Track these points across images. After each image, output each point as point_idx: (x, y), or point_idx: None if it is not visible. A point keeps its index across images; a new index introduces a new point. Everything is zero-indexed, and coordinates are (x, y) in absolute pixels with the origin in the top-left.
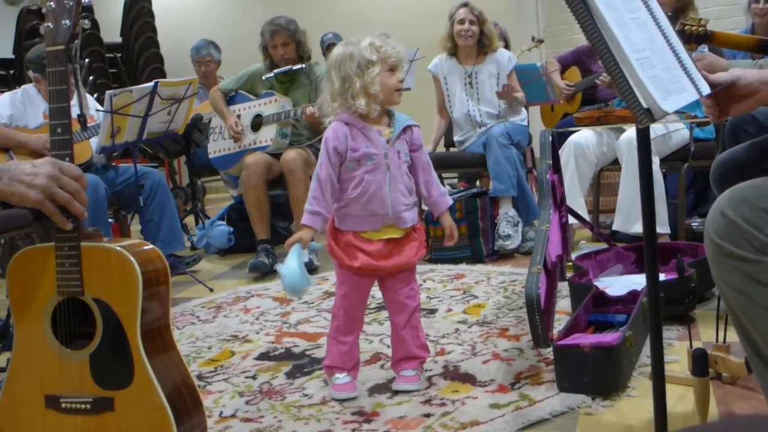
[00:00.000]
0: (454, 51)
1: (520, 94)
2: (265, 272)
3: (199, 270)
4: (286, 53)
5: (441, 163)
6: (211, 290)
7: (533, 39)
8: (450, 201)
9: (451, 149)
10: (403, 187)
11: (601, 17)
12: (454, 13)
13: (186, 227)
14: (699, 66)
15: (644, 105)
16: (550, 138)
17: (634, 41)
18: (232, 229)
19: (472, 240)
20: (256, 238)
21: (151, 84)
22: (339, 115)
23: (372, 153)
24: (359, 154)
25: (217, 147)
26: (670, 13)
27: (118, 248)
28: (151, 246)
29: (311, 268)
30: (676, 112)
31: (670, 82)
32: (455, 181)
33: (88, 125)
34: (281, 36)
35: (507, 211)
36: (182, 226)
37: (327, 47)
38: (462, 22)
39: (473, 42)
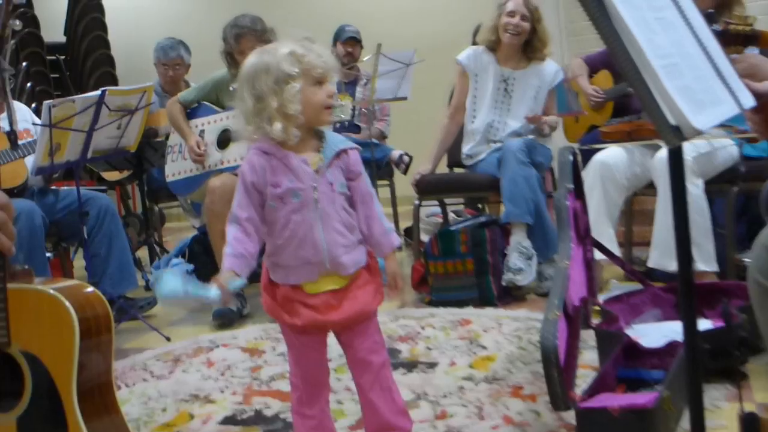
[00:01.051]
0: (494, 46)
1: (552, 119)
2: (233, 320)
3: (154, 315)
4: None
5: (445, 187)
6: (168, 339)
7: None
8: (396, 241)
9: (457, 170)
10: (340, 225)
11: (618, 16)
12: (505, 1)
13: (139, 263)
14: (738, 70)
15: (672, 121)
16: (572, 156)
17: (658, 45)
18: (191, 267)
19: (480, 278)
20: None
21: (98, 93)
22: (255, 141)
23: (296, 188)
24: (282, 190)
25: (175, 168)
26: (710, 10)
27: (51, 291)
28: (92, 289)
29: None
30: (721, 125)
31: (703, 94)
32: (461, 207)
33: (22, 141)
34: (249, 40)
35: (520, 240)
36: (135, 261)
37: (346, 41)
38: (512, 14)
39: (519, 42)
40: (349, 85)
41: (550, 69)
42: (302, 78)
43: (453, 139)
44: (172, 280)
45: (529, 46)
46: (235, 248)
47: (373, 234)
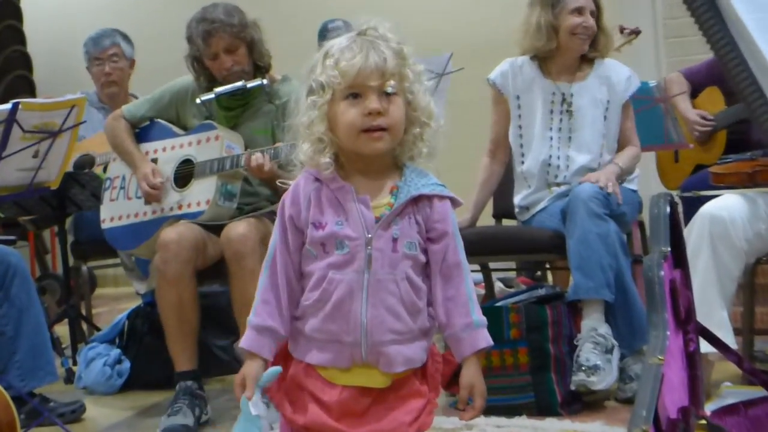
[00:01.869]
0: (545, 55)
1: (631, 154)
2: None
3: (83, 419)
4: (235, 63)
5: (489, 246)
6: None
7: (623, 31)
8: (485, 340)
9: (506, 222)
10: (397, 301)
11: (735, 17)
12: None
13: (58, 344)
14: None
15: None
16: (669, 207)
17: None
18: (117, 352)
19: (538, 376)
20: (174, 369)
21: (7, 106)
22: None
23: (344, 235)
24: (324, 233)
25: (115, 211)
26: None
27: None
28: None
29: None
30: None
31: None
32: (512, 274)
33: None
34: (222, 38)
35: (595, 325)
36: (53, 342)
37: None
38: (580, 11)
39: (587, 46)
40: None
41: (618, 73)
42: (330, 90)
43: (498, 181)
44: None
45: (591, 45)
46: (261, 317)
47: (453, 324)
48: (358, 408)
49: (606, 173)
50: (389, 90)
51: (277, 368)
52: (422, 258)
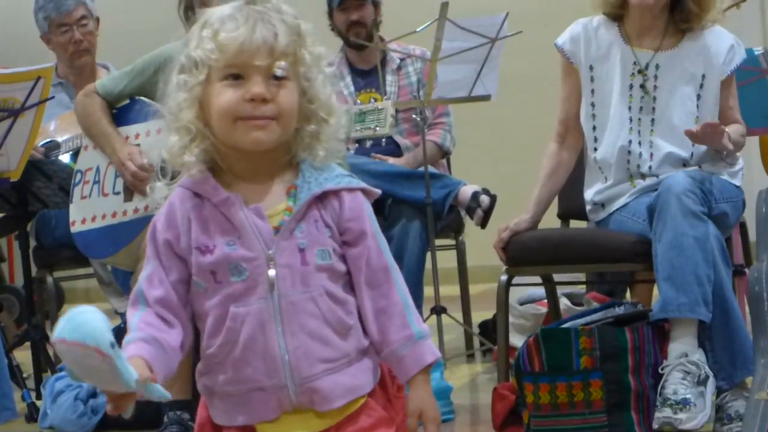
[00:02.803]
0: (620, 12)
1: (737, 129)
2: None
3: None
4: None
5: (553, 254)
6: None
7: None
8: (431, 354)
9: (574, 223)
10: (319, 323)
11: None
12: None
13: (18, 372)
14: None
15: None
16: None
17: None
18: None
19: (615, 414)
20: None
21: None
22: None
23: (239, 257)
24: (213, 259)
25: (88, 211)
26: None
27: None
28: None
29: None
30: None
31: None
32: (582, 289)
33: None
34: None
35: (686, 351)
36: (12, 370)
37: (341, 3)
38: None
39: (658, 5)
40: (367, 76)
41: (720, 42)
42: (207, 68)
43: (568, 172)
44: (93, 321)
45: (678, 8)
46: (144, 331)
47: (390, 341)
48: None
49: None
50: (279, 73)
51: (168, 395)
52: (341, 267)
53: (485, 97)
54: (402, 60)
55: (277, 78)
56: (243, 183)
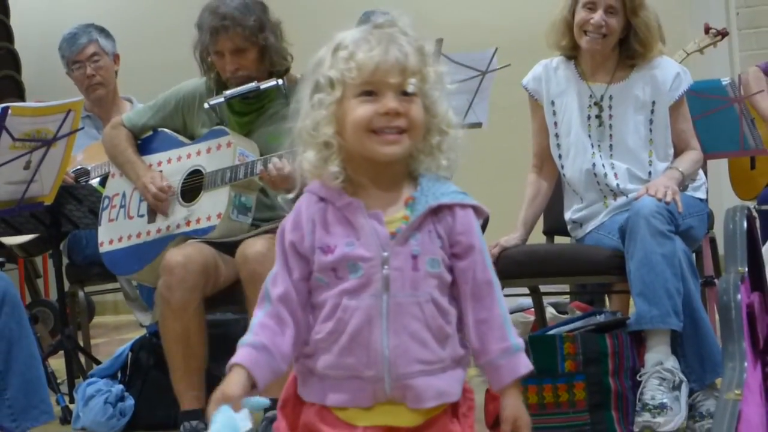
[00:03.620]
0: (573, 53)
1: (691, 158)
2: None
3: None
4: (241, 67)
5: (539, 268)
6: None
7: (708, 31)
8: (527, 366)
9: (559, 239)
10: (422, 327)
11: None
12: None
13: (54, 378)
14: None
15: None
16: (745, 222)
17: None
18: (120, 387)
19: (597, 414)
20: (179, 407)
21: None
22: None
23: (357, 256)
24: (334, 257)
25: (115, 233)
26: None
27: None
28: None
29: None
30: None
31: None
32: (565, 299)
33: None
34: (231, 38)
35: (661, 359)
36: (48, 377)
37: None
38: (591, 6)
39: (606, 48)
40: None
41: (666, 71)
42: (340, 86)
43: (547, 197)
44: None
45: (625, 47)
46: (258, 335)
47: (489, 351)
48: None
49: (664, 181)
50: (410, 89)
51: (266, 401)
52: (448, 277)
53: (477, 125)
54: None
55: (407, 94)
56: (365, 191)
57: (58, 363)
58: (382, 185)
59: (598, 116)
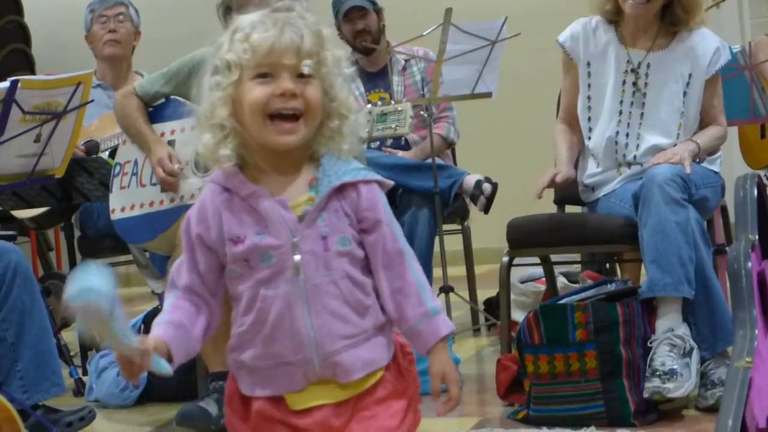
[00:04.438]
0: (616, 18)
1: (713, 134)
2: (208, 428)
3: None
4: None
5: (549, 236)
6: None
7: None
8: (446, 327)
9: (570, 209)
10: (340, 303)
11: None
12: None
13: (66, 351)
14: None
15: None
16: (756, 190)
17: None
18: None
19: (608, 383)
20: (205, 371)
21: (5, 84)
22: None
23: (267, 246)
24: (245, 248)
25: (126, 200)
26: None
27: None
28: None
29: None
30: None
31: None
32: (576, 268)
33: None
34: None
35: (672, 326)
36: (60, 349)
37: (347, 15)
38: None
39: (649, 12)
40: (375, 77)
41: (706, 44)
42: (240, 68)
43: (578, 151)
44: (98, 278)
45: (668, 14)
46: (173, 315)
47: (407, 318)
48: (339, 424)
49: (677, 149)
50: (305, 70)
51: (170, 369)
52: (359, 252)
53: (487, 95)
54: (407, 61)
55: (303, 76)
56: (268, 177)
57: (71, 336)
58: (284, 170)
59: (634, 83)
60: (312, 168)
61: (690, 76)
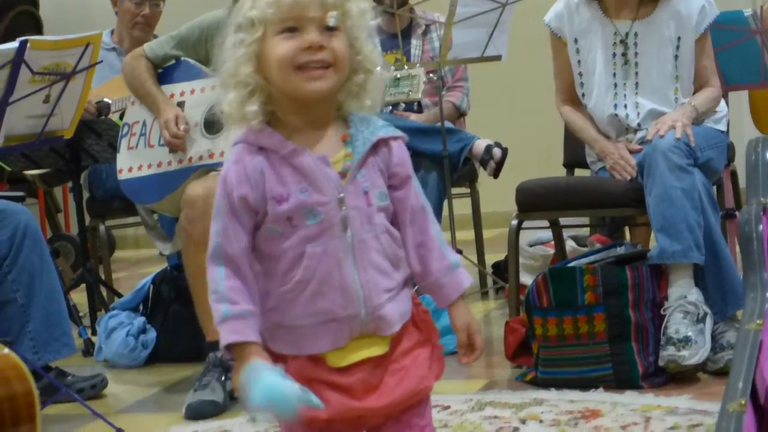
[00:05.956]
0: None
1: (707, 95)
2: (217, 414)
3: (104, 395)
4: None
5: (557, 199)
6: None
7: None
8: (467, 279)
9: (579, 172)
10: (382, 258)
11: None
12: None
13: (75, 311)
14: None
15: None
16: (767, 153)
17: None
18: (142, 320)
19: (617, 346)
20: (204, 338)
21: (13, 45)
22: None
23: (315, 202)
24: (290, 206)
25: (134, 161)
26: None
27: None
28: (7, 350)
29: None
30: None
31: None
32: (585, 231)
33: None
34: None
35: (684, 293)
36: (70, 310)
37: None
38: None
39: None
40: (394, 38)
41: (691, 5)
42: (262, 26)
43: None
44: (270, 378)
45: None
46: (237, 304)
47: (431, 272)
48: (376, 380)
49: (675, 115)
50: (331, 22)
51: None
52: (391, 207)
53: (496, 57)
54: (428, 26)
55: (329, 28)
56: (301, 135)
57: (80, 297)
58: (316, 126)
59: (623, 54)
60: (341, 125)
61: (679, 39)
